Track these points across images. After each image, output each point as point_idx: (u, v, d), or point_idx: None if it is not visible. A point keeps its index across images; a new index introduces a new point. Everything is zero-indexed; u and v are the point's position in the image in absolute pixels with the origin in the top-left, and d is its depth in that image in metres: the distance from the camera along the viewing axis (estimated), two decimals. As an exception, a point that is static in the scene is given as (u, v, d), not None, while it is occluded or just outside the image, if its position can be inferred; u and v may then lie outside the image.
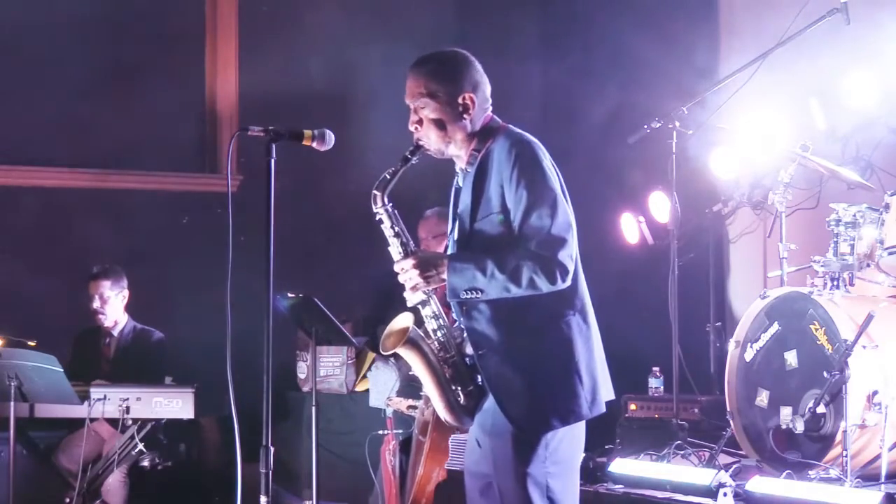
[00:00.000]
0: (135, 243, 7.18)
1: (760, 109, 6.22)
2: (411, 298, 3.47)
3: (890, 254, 5.05)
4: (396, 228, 3.50)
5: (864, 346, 4.68)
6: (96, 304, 6.45)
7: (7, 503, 5.53)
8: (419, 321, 3.54)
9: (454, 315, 3.53)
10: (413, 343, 3.46)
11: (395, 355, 6.91)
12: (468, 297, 3.37)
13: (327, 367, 7.09)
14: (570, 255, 3.36)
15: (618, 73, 7.01)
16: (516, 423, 3.37)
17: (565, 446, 3.43)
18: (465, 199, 3.51)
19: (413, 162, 3.51)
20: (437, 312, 3.48)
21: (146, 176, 7.52)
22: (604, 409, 3.48)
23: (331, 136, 3.52)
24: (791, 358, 5.02)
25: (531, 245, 3.34)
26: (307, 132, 3.50)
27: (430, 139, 3.51)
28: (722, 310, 6.98)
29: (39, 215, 7.21)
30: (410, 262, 3.43)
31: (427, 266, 3.42)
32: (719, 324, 6.77)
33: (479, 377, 3.45)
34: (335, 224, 7.69)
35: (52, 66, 7.17)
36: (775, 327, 5.11)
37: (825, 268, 5.15)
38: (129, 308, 6.59)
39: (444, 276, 3.39)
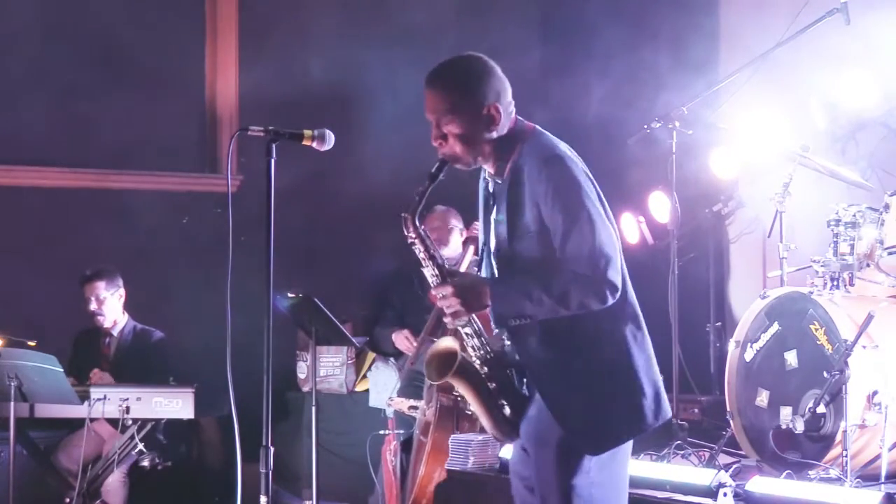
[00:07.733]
0: (135, 243, 7.17)
1: (760, 109, 6.21)
2: (453, 324, 3.33)
3: (890, 254, 5.05)
4: (431, 251, 3.33)
5: (864, 346, 4.67)
6: (93, 306, 6.45)
7: (7, 503, 5.52)
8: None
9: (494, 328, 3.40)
10: (463, 372, 3.34)
11: (396, 356, 6.90)
12: (516, 323, 3.26)
13: (327, 367, 7.08)
14: (617, 270, 3.23)
15: (617, 73, 7.00)
16: (581, 440, 3.27)
17: (612, 457, 3.34)
18: (501, 214, 3.36)
19: (440, 179, 3.35)
20: (478, 329, 3.37)
21: (146, 176, 7.51)
22: (669, 415, 3.38)
23: (330, 136, 3.50)
24: (791, 358, 5.01)
25: (577, 267, 3.20)
26: (307, 132, 3.48)
27: (455, 154, 3.34)
28: (722, 310, 6.98)
29: (40, 215, 7.21)
30: (449, 289, 3.27)
31: (468, 293, 3.26)
32: (719, 324, 6.77)
33: (524, 387, 3.36)
34: (335, 224, 7.68)
35: (52, 66, 7.16)
36: (775, 327, 5.10)
37: (825, 268, 5.15)
38: (130, 308, 6.58)
39: (488, 302, 3.25)
